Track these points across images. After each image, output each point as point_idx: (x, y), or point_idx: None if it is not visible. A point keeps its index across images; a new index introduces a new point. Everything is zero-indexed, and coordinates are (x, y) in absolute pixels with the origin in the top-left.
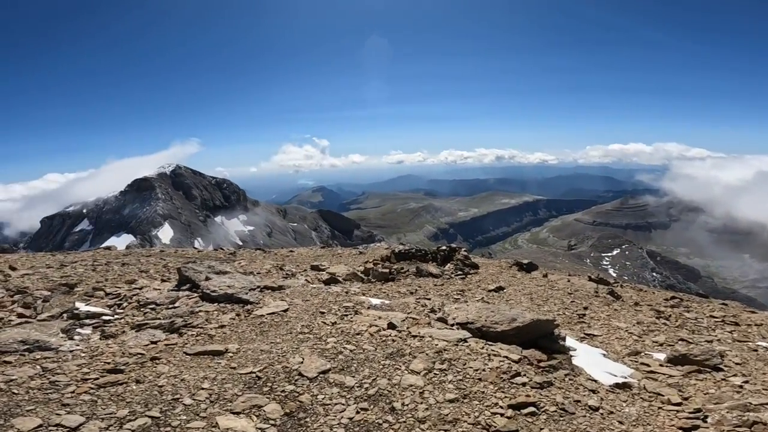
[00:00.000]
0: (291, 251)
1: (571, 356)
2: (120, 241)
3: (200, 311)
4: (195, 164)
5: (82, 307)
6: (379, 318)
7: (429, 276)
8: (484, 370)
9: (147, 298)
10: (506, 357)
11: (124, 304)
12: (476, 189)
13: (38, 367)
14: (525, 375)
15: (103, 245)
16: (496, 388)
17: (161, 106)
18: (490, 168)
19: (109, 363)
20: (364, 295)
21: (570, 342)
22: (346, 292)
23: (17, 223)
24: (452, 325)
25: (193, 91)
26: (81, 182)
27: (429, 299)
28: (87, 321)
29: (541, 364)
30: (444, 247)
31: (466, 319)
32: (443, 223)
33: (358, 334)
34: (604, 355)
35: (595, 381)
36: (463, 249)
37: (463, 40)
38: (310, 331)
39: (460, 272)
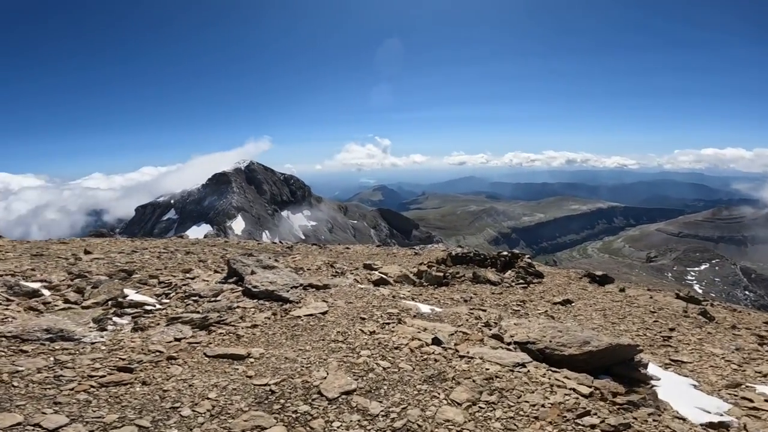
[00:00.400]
0: (347, 248)
1: (654, 387)
2: (200, 231)
3: (238, 307)
4: (266, 160)
5: (130, 295)
6: (425, 330)
7: (487, 283)
8: (543, 405)
9: (193, 289)
10: (573, 389)
11: (172, 294)
12: (541, 193)
13: (51, 358)
14: (596, 414)
15: (182, 234)
16: None
17: (240, 105)
18: (559, 171)
19: (123, 359)
20: (413, 299)
21: (653, 369)
22: (394, 296)
23: (115, 210)
24: (509, 344)
25: (267, 92)
26: (170, 175)
27: (484, 310)
28: (128, 310)
29: (618, 400)
30: (505, 253)
31: (527, 337)
32: (505, 228)
33: (396, 348)
34: (696, 386)
35: (684, 420)
36: (526, 255)
37: (533, 41)
38: (344, 340)
39: (521, 281)
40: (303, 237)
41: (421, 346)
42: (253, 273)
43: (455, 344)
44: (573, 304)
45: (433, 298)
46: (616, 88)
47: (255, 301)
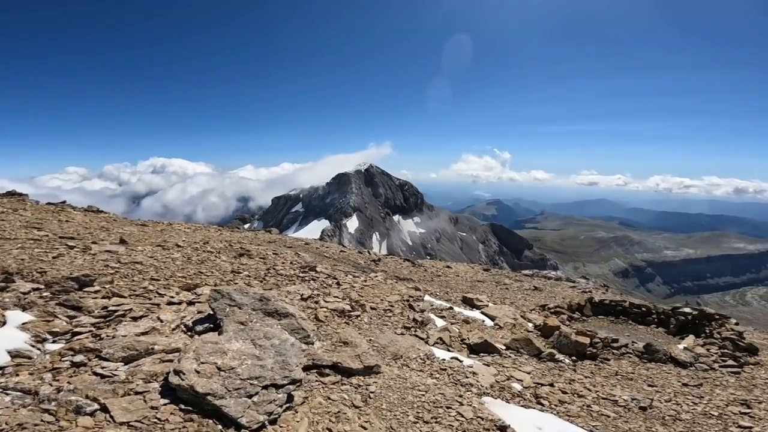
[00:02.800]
0: (448, 266)
1: None
2: (320, 225)
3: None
4: (385, 165)
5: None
6: None
7: (668, 361)
8: None
9: (114, 335)
10: None
11: (83, 335)
12: (694, 225)
13: None
14: None
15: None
16: None
17: (370, 111)
18: (722, 202)
19: None
20: (538, 400)
21: None
22: (497, 421)
23: (258, 198)
24: None
25: (392, 99)
26: (303, 171)
27: None
28: None
29: None
30: (687, 309)
31: None
32: (639, 260)
33: None
34: None
35: None
36: (732, 320)
37: (695, 50)
38: None
39: (729, 360)
40: (410, 243)
41: None
42: (219, 330)
43: None
44: None
45: (577, 399)
46: None
47: (164, 403)
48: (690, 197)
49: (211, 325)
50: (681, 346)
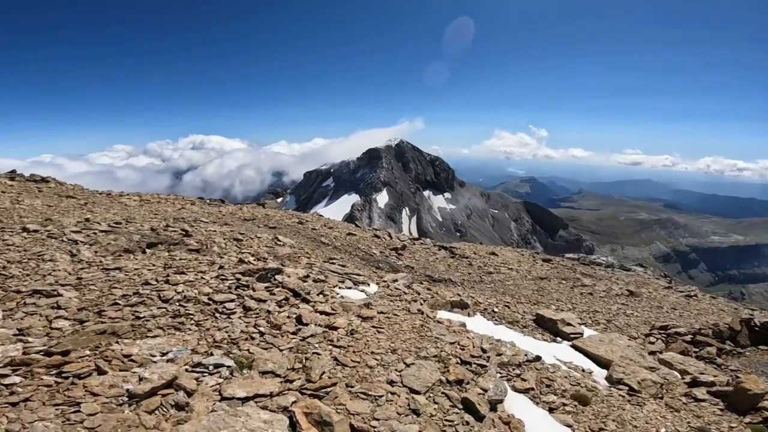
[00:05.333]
0: (493, 253)
1: None
2: (350, 200)
3: None
4: (416, 140)
5: None
6: None
7: None
8: None
9: None
10: None
11: None
12: (745, 210)
13: None
14: None
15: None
16: None
17: (402, 87)
18: None
19: None
20: None
21: None
22: None
23: (292, 173)
24: None
25: (424, 74)
26: (335, 146)
27: None
28: None
29: None
30: None
31: None
32: (682, 245)
33: None
34: None
35: None
36: None
37: (755, 27)
38: None
39: None
40: (440, 219)
41: None
42: None
43: None
44: None
45: None
46: None
47: None
48: (743, 180)
49: None
50: None
